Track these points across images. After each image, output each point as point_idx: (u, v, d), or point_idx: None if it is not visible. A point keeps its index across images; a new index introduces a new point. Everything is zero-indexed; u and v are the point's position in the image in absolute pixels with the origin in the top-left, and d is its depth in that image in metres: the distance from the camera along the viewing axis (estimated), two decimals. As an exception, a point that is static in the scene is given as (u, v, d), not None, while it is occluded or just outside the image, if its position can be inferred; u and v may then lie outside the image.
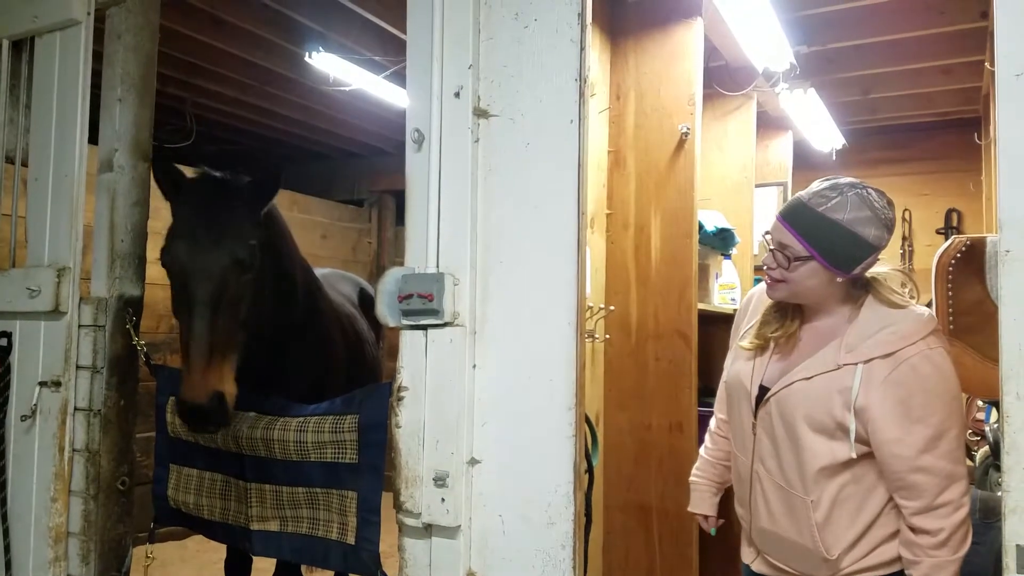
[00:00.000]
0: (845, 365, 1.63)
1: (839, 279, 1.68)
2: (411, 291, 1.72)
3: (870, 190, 1.69)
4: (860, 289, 1.73)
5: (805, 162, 4.77)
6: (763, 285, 1.90)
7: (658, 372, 2.47)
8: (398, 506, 1.74)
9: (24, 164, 2.51)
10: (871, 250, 1.66)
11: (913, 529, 1.62)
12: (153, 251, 2.24)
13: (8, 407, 2.41)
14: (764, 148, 4.07)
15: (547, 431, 1.66)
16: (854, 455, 1.63)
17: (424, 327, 1.74)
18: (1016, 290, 1.14)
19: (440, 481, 1.69)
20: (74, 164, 2.34)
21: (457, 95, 1.77)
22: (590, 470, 2.11)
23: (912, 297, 1.77)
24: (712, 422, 2.06)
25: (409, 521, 1.74)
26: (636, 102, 2.59)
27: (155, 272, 2.26)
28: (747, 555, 1.89)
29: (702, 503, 2.04)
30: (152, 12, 2.47)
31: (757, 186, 3.97)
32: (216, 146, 6.05)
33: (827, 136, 4.22)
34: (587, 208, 1.68)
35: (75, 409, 2.31)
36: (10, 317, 2.41)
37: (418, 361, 1.74)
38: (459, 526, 1.69)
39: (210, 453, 2.19)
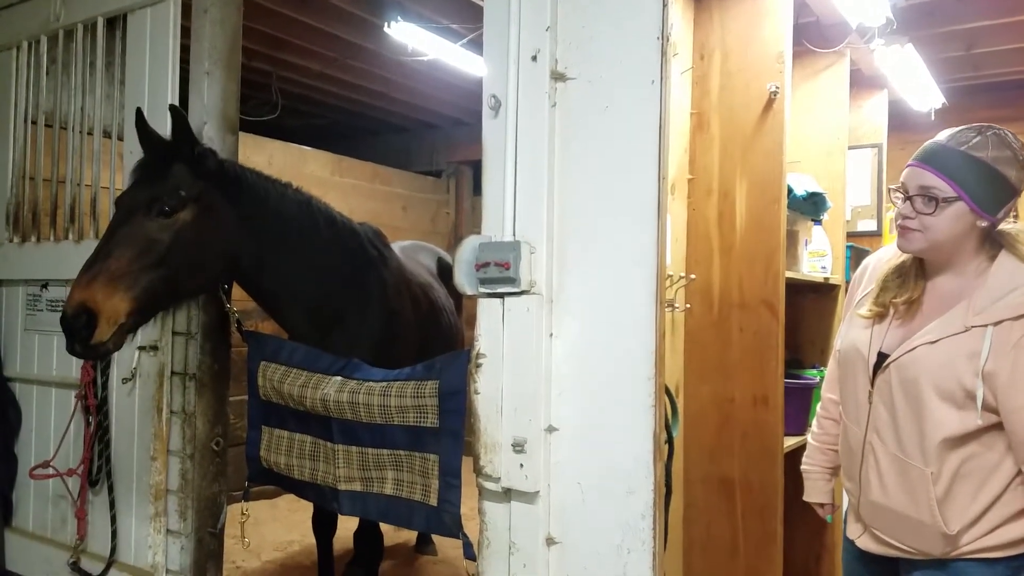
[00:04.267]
0: (974, 327, 1.52)
1: (982, 223, 1.57)
2: (488, 259, 1.72)
3: (1007, 132, 1.60)
4: (991, 245, 1.61)
5: (902, 122, 4.49)
6: (880, 252, 1.82)
7: (742, 344, 2.39)
8: (478, 470, 1.76)
9: (120, 138, 2.63)
10: (1013, 193, 1.57)
11: None
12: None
13: (110, 371, 2.55)
14: (857, 108, 3.85)
15: (626, 401, 1.64)
16: (980, 422, 1.51)
17: (501, 295, 1.73)
18: None
19: (518, 447, 1.70)
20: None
21: (534, 59, 1.74)
22: (670, 441, 2.08)
23: None
24: (819, 406, 1.95)
25: (489, 485, 1.76)
26: (721, 62, 2.48)
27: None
28: (853, 530, 1.78)
29: (816, 492, 1.95)
30: (236, -14, 2.52)
31: (850, 148, 3.77)
32: (303, 120, 6.19)
33: (926, 95, 3.95)
34: (668, 173, 1.62)
35: (172, 373, 2.43)
36: (112, 285, 2.54)
37: (495, 329, 1.74)
38: (537, 492, 1.70)
39: (299, 416, 2.26)
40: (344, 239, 2.47)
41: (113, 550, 2.51)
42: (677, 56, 2.36)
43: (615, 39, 1.68)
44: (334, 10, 3.95)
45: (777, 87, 2.38)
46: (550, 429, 1.72)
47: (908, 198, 1.60)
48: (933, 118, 4.25)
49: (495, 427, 1.74)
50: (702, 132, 2.50)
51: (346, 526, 2.98)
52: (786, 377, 2.48)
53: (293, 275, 2.30)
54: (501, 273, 1.70)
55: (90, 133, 2.71)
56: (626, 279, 1.65)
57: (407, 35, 3.77)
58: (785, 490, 2.43)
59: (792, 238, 2.67)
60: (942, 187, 1.56)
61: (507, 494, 1.74)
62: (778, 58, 2.39)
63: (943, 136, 1.62)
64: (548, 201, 1.73)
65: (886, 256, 1.77)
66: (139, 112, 2.20)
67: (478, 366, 1.77)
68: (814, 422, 1.97)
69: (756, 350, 2.36)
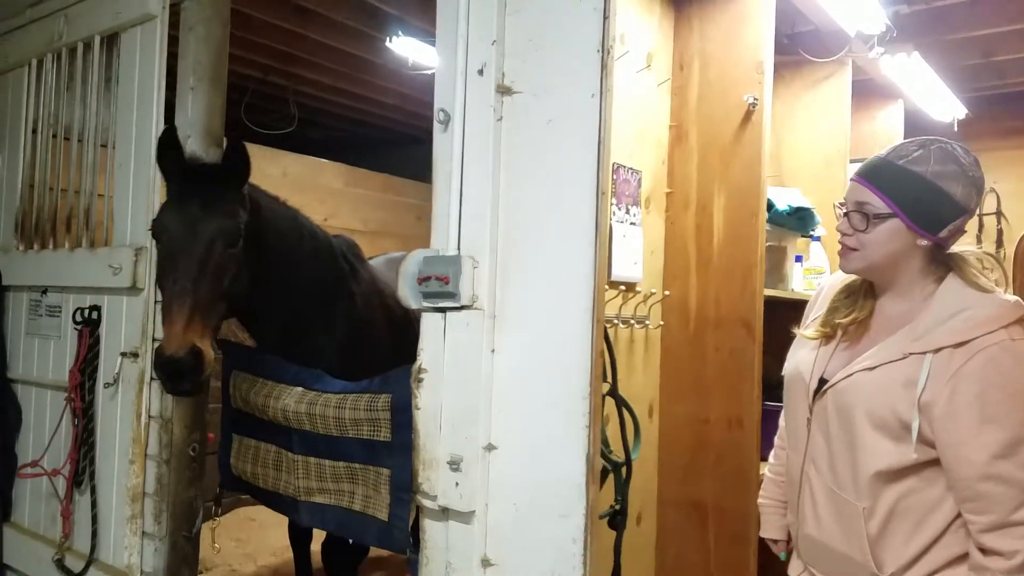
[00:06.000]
0: (912, 354, 1.43)
1: (922, 242, 1.48)
2: (429, 273, 1.71)
3: (956, 145, 1.50)
4: (942, 268, 1.52)
5: (922, 133, 4.33)
6: (837, 274, 1.73)
7: (717, 363, 2.32)
8: (415, 487, 1.75)
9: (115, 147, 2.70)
10: (958, 211, 1.46)
11: (983, 550, 1.38)
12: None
13: (97, 375, 2.62)
14: (871, 119, 3.74)
15: (562, 420, 1.60)
16: (915, 455, 1.42)
17: (442, 310, 1.72)
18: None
19: (454, 465, 1.68)
20: (151, 151, 2.49)
21: (481, 72, 1.72)
22: (628, 463, 2.03)
23: (1000, 286, 1.52)
24: (777, 436, 1.88)
25: (426, 503, 1.74)
26: (700, 71, 2.43)
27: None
28: (793, 567, 1.72)
29: (769, 527, 1.87)
30: (222, 3, 2.56)
31: (862, 160, 3.66)
32: (322, 132, 6.29)
33: (944, 105, 3.80)
34: (608, 188, 1.59)
35: (151, 379, 2.47)
36: (100, 292, 2.61)
37: (436, 344, 1.73)
38: (473, 511, 1.67)
39: (264, 425, 2.28)
40: (321, 254, 2.49)
41: (93, 549, 2.57)
42: (650, 68, 2.32)
43: (558, 51, 1.65)
44: (339, 26, 4.02)
45: (756, 98, 2.32)
46: (489, 447, 1.69)
47: (846, 214, 1.53)
48: (956, 128, 4.10)
49: (434, 443, 1.72)
50: (681, 144, 2.45)
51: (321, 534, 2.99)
52: (768, 399, 2.40)
53: (274, 290, 2.33)
54: (441, 287, 1.69)
55: (80, 141, 2.79)
56: (564, 295, 1.62)
57: (408, 49, 3.80)
58: (763, 516, 2.35)
59: (778, 254, 2.59)
60: (876, 203, 1.48)
61: (445, 513, 1.72)
62: (758, 68, 2.33)
63: (885, 150, 1.55)
64: (492, 215, 1.71)
65: (840, 277, 1.70)
66: (172, 131, 2.21)
67: (419, 381, 1.76)
68: (772, 453, 1.88)
69: (732, 370, 2.30)
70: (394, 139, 6.59)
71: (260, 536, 4.40)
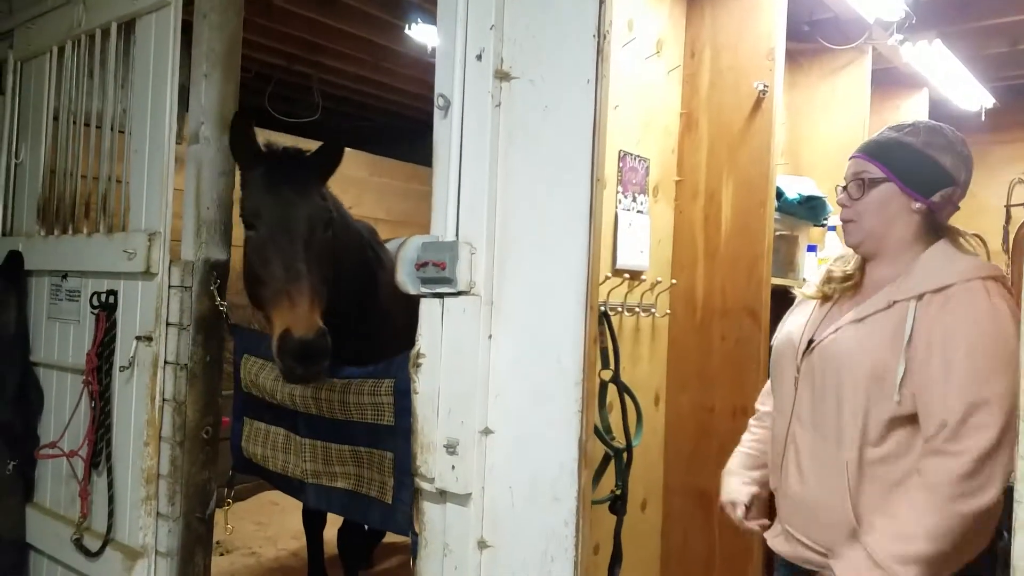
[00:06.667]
0: (897, 302, 1.50)
1: (916, 206, 1.56)
2: (426, 259, 1.72)
3: (944, 125, 1.63)
4: (933, 236, 1.59)
5: (948, 123, 4.23)
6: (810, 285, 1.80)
7: (723, 352, 2.31)
8: (414, 470, 1.77)
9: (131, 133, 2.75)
10: (948, 179, 1.56)
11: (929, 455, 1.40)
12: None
13: (114, 359, 2.68)
14: (895, 108, 3.67)
15: (556, 406, 1.61)
16: (897, 401, 1.45)
17: (440, 295, 1.73)
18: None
19: (451, 449, 1.69)
20: (164, 136, 2.53)
21: (479, 58, 1.73)
22: (629, 448, 2.03)
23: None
24: (753, 417, 1.91)
25: (424, 485, 1.76)
26: (711, 59, 2.40)
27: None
28: (772, 531, 1.72)
29: (728, 490, 1.83)
30: (235, -10, 2.59)
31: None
32: (348, 122, 6.33)
33: (970, 93, 3.71)
34: (603, 175, 1.58)
35: (165, 362, 2.52)
36: (116, 277, 2.67)
37: (435, 329, 1.74)
38: (469, 494, 1.69)
39: (273, 409, 2.32)
40: (359, 242, 2.52)
41: (109, 528, 2.63)
42: (659, 55, 2.30)
43: (555, 37, 1.65)
44: (360, 14, 4.03)
45: (766, 86, 2.29)
46: (486, 431, 1.71)
47: (844, 187, 1.63)
48: (984, 119, 4.00)
49: (431, 427, 1.74)
50: (691, 132, 2.43)
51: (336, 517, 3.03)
52: (774, 388, 2.38)
53: (339, 281, 2.29)
54: (438, 273, 1.70)
55: (98, 127, 2.85)
56: (559, 282, 1.62)
57: (428, 37, 3.80)
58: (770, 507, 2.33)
59: (789, 243, 2.56)
60: (871, 169, 1.59)
61: (443, 495, 1.74)
62: (768, 55, 2.30)
63: (879, 130, 1.67)
64: (490, 202, 1.72)
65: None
66: (245, 114, 2.24)
67: (417, 366, 1.77)
68: (746, 433, 1.90)
69: (737, 359, 2.29)
70: (419, 129, 6.61)
71: (281, 520, 4.47)
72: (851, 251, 1.69)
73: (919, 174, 1.54)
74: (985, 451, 1.35)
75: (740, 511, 1.78)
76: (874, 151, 1.60)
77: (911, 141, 1.57)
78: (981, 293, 1.43)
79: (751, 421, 1.90)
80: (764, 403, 1.87)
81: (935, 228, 1.58)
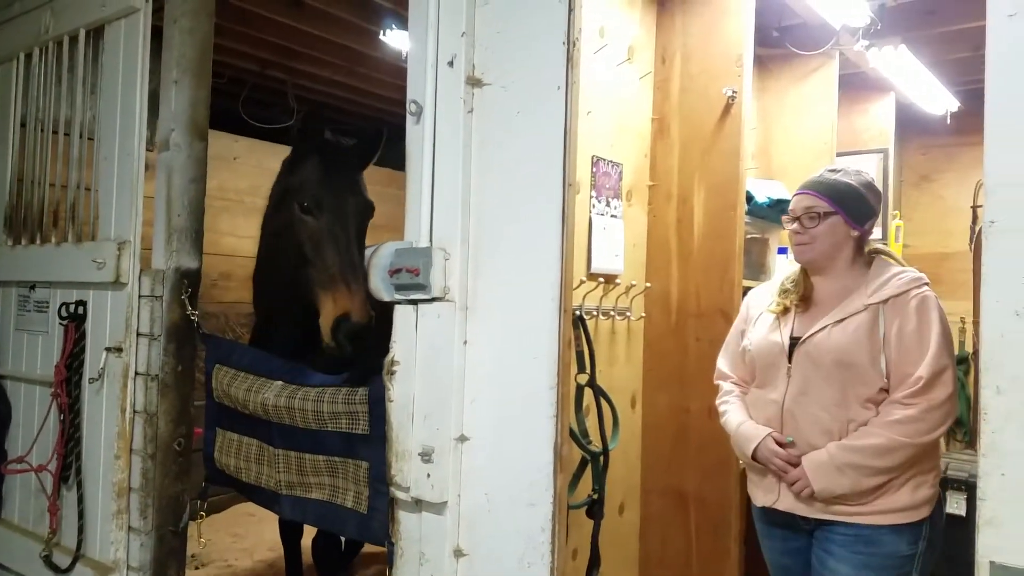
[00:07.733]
0: (870, 305, 1.92)
1: (853, 233, 2.00)
2: (400, 265, 1.71)
3: (863, 170, 2.10)
4: (864, 256, 2.03)
5: (916, 126, 4.31)
6: (756, 289, 2.22)
7: (698, 353, 2.33)
8: (389, 479, 1.75)
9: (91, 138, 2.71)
10: (872, 212, 2.02)
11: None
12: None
13: (83, 371, 2.63)
14: (863, 112, 3.73)
15: (531, 411, 1.61)
16: (886, 378, 1.87)
17: (415, 302, 1.72)
18: (1000, 267, 0.96)
19: (426, 456, 1.68)
20: (134, 143, 2.50)
21: (451, 64, 1.73)
22: (606, 452, 2.03)
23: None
24: (726, 385, 2.14)
25: (399, 495, 1.75)
26: (682, 65, 2.43)
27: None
28: (767, 497, 1.98)
29: (758, 431, 2.00)
30: (206, -4, 2.56)
31: (854, 153, 3.67)
32: (328, 126, 6.28)
33: (937, 97, 3.78)
34: (574, 180, 1.59)
35: (135, 373, 2.48)
36: (85, 287, 2.62)
37: (409, 336, 1.73)
38: (445, 502, 1.68)
39: (246, 419, 2.29)
40: None
41: (80, 544, 2.58)
42: (630, 61, 2.31)
43: (526, 43, 1.66)
44: (334, 19, 4.01)
45: (734, 92, 2.31)
46: (462, 438, 1.70)
47: (796, 219, 2.01)
48: (949, 122, 4.07)
49: (406, 435, 1.73)
50: (663, 137, 2.45)
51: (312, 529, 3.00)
52: (751, 390, 2.40)
53: None
54: (412, 279, 1.69)
55: (66, 134, 2.80)
56: (533, 286, 1.62)
57: (402, 43, 3.79)
58: (747, 507, 2.35)
59: (760, 246, 2.59)
60: (821, 205, 1.99)
61: (418, 504, 1.73)
62: (737, 61, 2.32)
63: (815, 174, 2.06)
64: (464, 207, 1.71)
65: (762, 290, 2.17)
66: (316, 112, 2.37)
67: (392, 373, 1.76)
68: (729, 399, 2.12)
69: (712, 360, 2.30)
70: (396, 134, 6.59)
71: (258, 531, 4.42)
72: (795, 270, 2.07)
73: (857, 208, 1.99)
74: (940, 401, 1.81)
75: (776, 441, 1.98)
76: (824, 190, 2.00)
77: (849, 181, 1.99)
78: (932, 296, 1.91)
79: (727, 388, 2.13)
80: (738, 370, 2.15)
81: (861, 248, 2.03)
